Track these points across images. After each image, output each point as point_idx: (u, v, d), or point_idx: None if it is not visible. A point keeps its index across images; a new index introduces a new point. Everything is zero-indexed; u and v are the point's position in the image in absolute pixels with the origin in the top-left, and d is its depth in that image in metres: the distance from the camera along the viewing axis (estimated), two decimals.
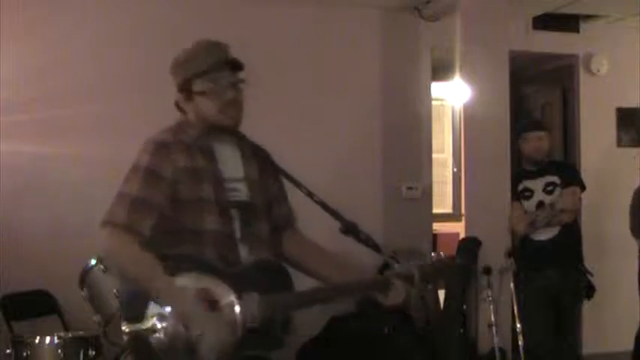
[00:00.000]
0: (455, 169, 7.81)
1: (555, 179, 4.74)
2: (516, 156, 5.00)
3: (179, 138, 2.38)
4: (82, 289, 4.10)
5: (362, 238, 2.43)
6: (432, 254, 2.57)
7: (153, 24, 5.19)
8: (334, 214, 2.45)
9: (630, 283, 5.03)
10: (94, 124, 4.96)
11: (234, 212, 2.37)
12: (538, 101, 6.93)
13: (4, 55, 4.81)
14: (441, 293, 5.18)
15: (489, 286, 4.77)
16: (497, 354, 4.67)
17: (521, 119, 5.10)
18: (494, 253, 4.84)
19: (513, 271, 4.76)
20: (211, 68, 2.39)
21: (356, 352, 4.91)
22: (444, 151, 7.97)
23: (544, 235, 4.70)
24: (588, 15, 6.15)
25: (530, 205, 4.77)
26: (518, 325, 4.65)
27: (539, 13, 5.96)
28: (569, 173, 4.86)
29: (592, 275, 4.76)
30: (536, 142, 4.77)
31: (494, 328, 4.69)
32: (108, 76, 5.03)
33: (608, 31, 6.23)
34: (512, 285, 4.75)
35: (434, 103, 6.15)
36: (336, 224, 2.50)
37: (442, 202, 7.67)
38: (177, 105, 2.46)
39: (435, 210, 6.17)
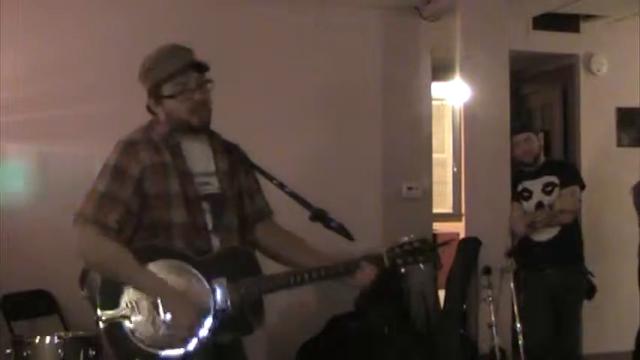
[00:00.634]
0: (455, 169, 7.81)
1: (554, 179, 4.74)
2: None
3: (148, 136, 2.51)
4: (82, 289, 4.09)
5: (331, 225, 2.52)
6: (404, 238, 2.61)
7: (153, 24, 5.19)
8: (303, 202, 2.55)
9: (630, 283, 5.03)
10: (94, 124, 4.96)
11: (205, 205, 2.49)
12: (538, 101, 6.93)
13: (4, 55, 4.81)
14: (441, 293, 5.19)
15: (489, 286, 4.77)
16: (497, 354, 4.67)
17: (514, 122, 5.09)
18: (494, 253, 4.84)
19: (513, 271, 4.76)
20: (178, 72, 2.49)
21: (356, 352, 4.91)
22: (444, 151, 7.97)
23: (544, 235, 4.69)
24: (588, 15, 6.15)
25: (529, 205, 4.77)
26: (518, 325, 4.64)
27: (539, 13, 5.96)
28: (568, 173, 4.85)
29: (593, 275, 4.77)
30: (524, 145, 4.77)
31: (494, 328, 4.69)
32: (108, 76, 5.03)
33: (608, 31, 6.23)
34: (512, 285, 4.74)
35: (434, 103, 6.15)
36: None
37: (442, 202, 7.67)
38: (149, 109, 2.57)
39: (435, 210, 6.17)
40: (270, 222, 2.73)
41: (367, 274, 2.53)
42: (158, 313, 2.34)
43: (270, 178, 2.59)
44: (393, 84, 5.72)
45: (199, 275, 2.39)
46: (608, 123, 6.35)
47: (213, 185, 2.54)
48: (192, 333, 2.34)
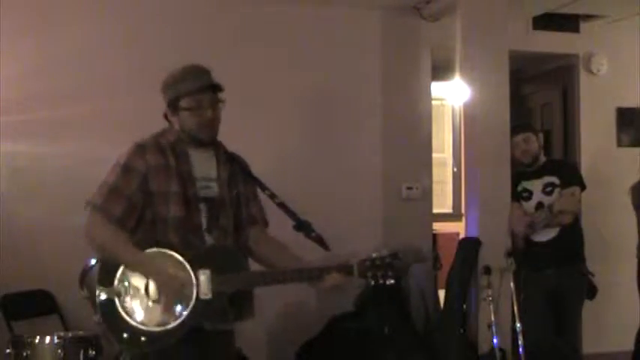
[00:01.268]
0: (455, 169, 7.82)
1: (554, 180, 4.74)
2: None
3: (157, 141, 2.85)
4: (82, 289, 4.09)
5: (312, 235, 2.80)
6: (374, 254, 2.82)
7: (152, 24, 5.20)
8: (290, 213, 2.83)
9: (630, 283, 5.03)
10: (94, 124, 4.97)
11: (202, 206, 2.82)
12: (538, 101, 6.93)
13: (4, 55, 4.81)
14: (441, 293, 5.19)
15: (489, 286, 4.77)
16: (497, 354, 4.67)
17: (514, 122, 5.09)
18: (494, 253, 4.84)
19: (513, 271, 4.76)
20: (197, 90, 2.84)
21: (356, 352, 4.91)
22: (444, 151, 7.98)
23: (544, 235, 4.69)
24: (588, 15, 6.14)
25: (529, 206, 4.77)
26: (518, 325, 4.64)
27: (540, 13, 5.96)
28: (568, 173, 4.85)
29: (593, 275, 4.77)
30: (524, 145, 4.77)
31: (494, 328, 4.69)
32: (108, 76, 5.03)
33: (608, 31, 6.23)
34: (512, 285, 4.75)
35: (434, 103, 6.15)
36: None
37: (442, 202, 7.68)
38: (166, 117, 2.92)
39: (435, 210, 6.17)
40: (261, 229, 3.01)
41: (336, 281, 2.80)
42: (147, 294, 2.68)
43: (263, 189, 2.91)
44: (393, 84, 5.72)
45: (186, 265, 2.71)
46: (608, 123, 6.35)
47: (213, 190, 2.86)
48: (176, 313, 2.66)
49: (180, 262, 2.70)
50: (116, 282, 2.68)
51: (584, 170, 5.80)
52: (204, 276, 2.69)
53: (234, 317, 2.77)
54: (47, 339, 3.95)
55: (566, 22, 6.19)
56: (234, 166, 2.94)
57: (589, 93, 6.32)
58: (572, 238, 4.73)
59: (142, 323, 2.66)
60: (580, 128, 6.33)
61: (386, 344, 4.89)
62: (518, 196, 4.81)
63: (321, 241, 2.79)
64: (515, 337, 4.70)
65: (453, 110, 7.93)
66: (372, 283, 2.82)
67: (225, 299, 2.71)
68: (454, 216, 7.56)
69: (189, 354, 2.71)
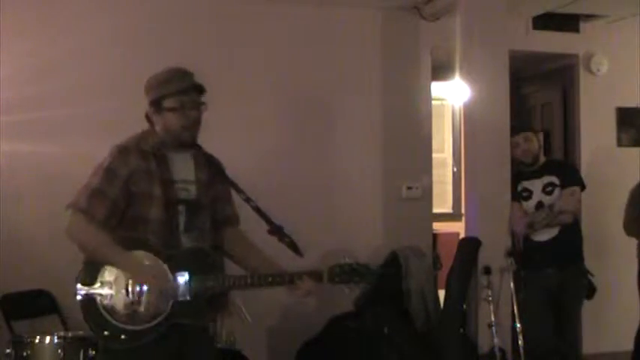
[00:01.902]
0: (455, 169, 7.81)
1: (554, 179, 4.74)
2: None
3: (139, 145, 2.93)
4: None
5: (285, 240, 2.88)
6: (346, 259, 2.93)
7: (152, 23, 5.19)
8: (265, 217, 2.91)
9: (630, 283, 5.03)
10: (94, 124, 4.96)
11: (181, 207, 2.91)
12: (538, 101, 6.93)
13: (4, 55, 4.81)
14: (441, 293, 5.19)
15: (489, 286, 4.77)
16: (497, 354, 4.67)
17: (514, 122, 5.09)
18: (495, 253, 4.84)
19: (513, 271, 4.76)
20: (182, 91, 2.91)
21: (356, 352, 4.91)
22: (444, 151, 7.97)
23: (544, 235, 4.70)
24: (588, 15, 6.14)
25: (529, 206, 4.77)
26: (518, 325, 4.65)
27: (540, 12, 5.95)
28: (568, 173, 4.85)
29: (593, 275, 4.77)
30: (524, 145, 4.78)
31: (494, 328, 4.69)
32: (108, 76, 5.03)
33: (608, 31, 6.23)
34: (512, 285, 4.75)
35: (434, 103, 6.14)
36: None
37: (442, 202, 7.67)
38: (147, 117, 2.99)
39: (435, 210, 6.16)
40: (235, 229, 3.12)
41: (306, 286, 2.90)
42: (128, 293, 2.79)
43: (239, 192, 2.99)
44: (393, 84, 5.72)
45: (165, 266, 2.82)
46: (608, 123, 6.34)
47: (191, 192, 2.95)
48: (155, 313, 2.78)
49: (160, 264, 2.82)
50: (97, 281, 2.81)
51: (584, 170, 5.80)
52: (182, 278, 2.82)
53: (210, 316, 2.95)
54: (47, 339, 3.94)
55: (566, 22, 6.18)
56: (212, 169, 3.02)
57: (589, 93, 6.32)
58: (572, 237, 4.73)
59: (121, 321, 2.78)
60: (580, 128, 6.33)
61: (386, 344, 4.89)
62: (519, 195, 4.82)
63: (294, 247, 2.88)
64: (515, 337, 4.70)
65: (453, 110, 7.93)
66: (344, 288, 2.92)
67: (202, 300, 2.83)
68: (454, 216, 7.57)
69: (167, 349, 2.82)
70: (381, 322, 4.94)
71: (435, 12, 5.65)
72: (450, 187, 7.91)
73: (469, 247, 4.98)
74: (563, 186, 4.71)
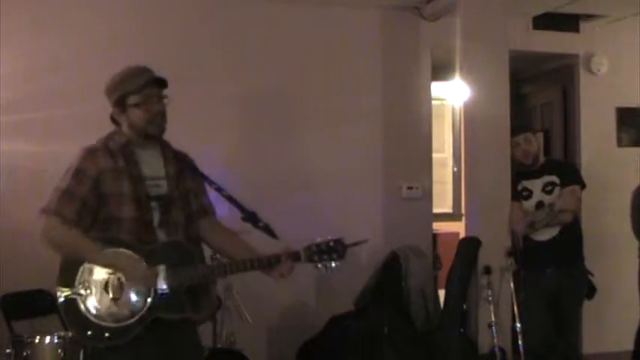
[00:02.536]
0: (455, 169, 7.81)
1: (554, 179, 4.74)
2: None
3: (106, 145, 2.96)
4: None
5: (260, 225, 2.91)
6: (318, 239, 2.96)
7: (152, 23, 5.20)
8: (237, 204, 2.93)
9: (630, 283, 5.02)
10: (94, 124, 4.90)
11: (154, 204, 2.93)
12: (538, 101, 6.93)
13: (4, 55, 4.81)
14: (441, 293, 5.19)
15: (489, 286, 4.77)
16: (498, 354, 4.67)
17: (514, 122, 5.09)
18: (494, 253, 4.84)
19: (513, 271, 4.76)
20: (144, 85, 2.95)
21: (356, 352, 4.91)
22: (444, 151, 7.97)
23: (544, 235, 4.69)
24: (588, 15, 6.14)
25: (529, 205, 4.77)
26: (518, 325, 4.65)
27: (540, 12, 5.96)
28: (568, 172, 4.85)
29: (592, 275, 4.76)
30: (524, 146, 4.77)
31: (494, 328, 4.69)
32: (108, 76, 5.00)
33: (608, 31, 6.23)
34: (512, 285, 4.75)
35: (434, 102, 6.14)
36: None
37: (442, 202, 7.67)
38: (112, 118, 3.04)
39: (435, 210, 6.16)
40: (212, 219, 3.14)
41: (286, 267, 2.92)
42: (107, 292, 2.80)
43: (210, 183, 3.01)
44: (393, 84, 5.72)
45: (142, 261, 2.83)
46: (608, 123, 6.34)
47: (162, 187, 2.97)
48: (136, 308, 2.80)
49: (137, 259, 2.82)
50: (76, 281, 2.82)
51: (584, 170, 5.79)
52: (160, 271, 2.82)
53: (191, 308, 2.90)
54: (47, 339, 3.95)
55: (566, 22, 6.18)
56: (181, 163, 3.05)
57: (589, 93, 6.32)
58: (572, 237, 4.73)
59: (103, 320, 2.79)
60: (580, 128, 6.33)
61: (386, 344, 4.89)
62: (518, 195, 4.81)
63: (269, 231, 2.89)
64: (515, 337, 4.69)
65: (453, 110, 7.93)
66: (319, 266, 2.94)
67: (181, 292, 2.84)
68: (454, 216, 7.57)
69: (150, 343, 2.82)
70: (381, 322, 4.94)
71: (435, 12, 5.65)
72: (450, 187, 7.92)
73: (469, 247, 4.98)
74: (563, 185, 4.71)
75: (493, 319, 4.69)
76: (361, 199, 5.63)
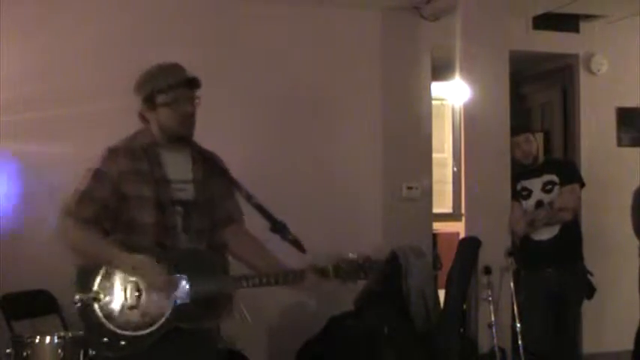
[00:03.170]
0: (455, 169, 7.81)
1: (554, 178, 4.74)
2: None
3: (129, 145, 2.85)
4: None
5: (288, 237, 2.77)
6: (350, 254, 2.84)
7: (152, 23, 5.20)
8: (266, 215, 2.80)
9: (630, 283, 5.03)
10: (94, 124, 4.96)
11: (178, 208, 2.81)
12: (538, 101, 6.93)
13: (4, 55, 4.81)
14: (441, 293, 5.19)
15: (489, 286, 4.77)
16: (498, 354, 4.67)
17: (514, 122, 5.10)
18: (494, 253, 4.84)
19: (513, 271, 4.76)
20: (174, 85, 2.81)
21: (356, 352, 4.91)
22: (444, 151, 7.97)
23: (544, 234, 4.69)
24: (588, 15, 6.14)
25: (528, 205, 4.77)
26: (518, 325, 4.64)
27: (540, 12, 5.96)
28: (567, 171, 4.86)
29: (592, 275, 4.77)
30: (525, 146, 4.78)
31: (494, 328, 4.69)
32: (108, 76, 5.03)
33: (608, 31, 6.23)
34: (512, 285, 4.75)
35: (434, 103, 6.14)
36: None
37: (442, 202, 7.66)
38: (141, 115, 2.88)
39: (435, 210, 6.16)
40: (238, 227, 3.00)
41: (312, 283, 2.80)
42: (126, 298, 2.70)
43: (239, 189, 2.87)
44: (393, 84, 5.72)
45: (163, 268, 2.70)
46: (608, 123, 6.35)
47: (188, 192, 2.85)
48: (154, 317, 2.68)
49: (158, 266, 2.70)
50: (95, 286, 2.71)
51: (584, 170, 5.79)
52: (181, 280, 2.70)
53: (211, 318, 2.81)
54: (47, 339, 3.95)
55: (566, 22, 6.19)
56: (210, 166, 2.92)
57: (589, 93, 6.32)
58: (571, 237, 4.73)
59: (120, 327, 2.68)
60: (580, 128, 6.33)
61: (386, 344, 4.89)
62: (518, 195, 4.82)
63: (297, 244, 2.77)
64: (515, 337, 4.69)
65: (453, 110, 7.92)
66: (346, 283, 2.85)
67: (202, 303, 2.72)
68: (454, 216, 7.56)
69: (167, 353, 2.72)
70: (381, 322, 4.94)
71: (435, 12, 5.65)
72: (450, 187, 7.91)
73: (469, 247, 4.98)
74: (562, 184, 4.72)
75: (493, 319, 4.69)
76: (361, 199, 5.63)
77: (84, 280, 2.73)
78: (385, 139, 5.70)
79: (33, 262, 4.75)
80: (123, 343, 2.67)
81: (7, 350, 3.96)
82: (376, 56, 5.71)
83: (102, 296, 2.70)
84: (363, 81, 5.67)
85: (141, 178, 2.78)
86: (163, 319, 2.68)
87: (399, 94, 5.74)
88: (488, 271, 4.80)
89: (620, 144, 6.36)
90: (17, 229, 4.78)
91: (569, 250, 4.71)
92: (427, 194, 5.82)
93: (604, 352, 5.93)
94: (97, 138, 5.15)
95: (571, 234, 4.72)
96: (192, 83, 2.84)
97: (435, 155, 6.15)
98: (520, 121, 5.59)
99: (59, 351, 3.91)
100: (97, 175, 2.80)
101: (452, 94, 7.50)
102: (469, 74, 5.16)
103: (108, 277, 2.72)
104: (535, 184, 4.77)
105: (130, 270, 2.70)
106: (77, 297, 2.71)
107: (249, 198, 2.83)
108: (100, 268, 2.73)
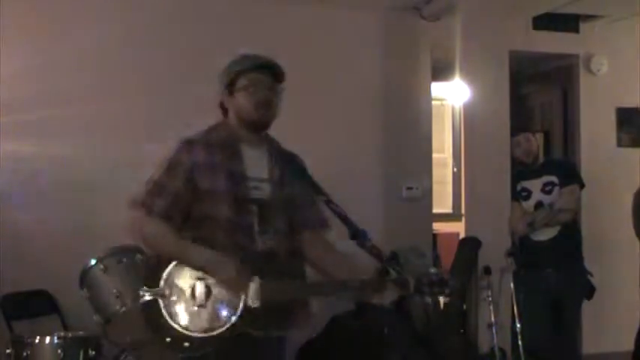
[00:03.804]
0: (455, 169, 7.81)
1: (554, 179, 4.74)
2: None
3: (206, 137, 2.74)
4: (82, 289, 4.10)
5: (367, 245, 2.64)
6: (432, 270, 2.78)
7: (153, 24, 5.19)
8: (346, 221, 2.67)
9: (630, 283, 5.03)
10: (94, 124, 4.96)
11: (253, 207, 2.68)
12: (538, 101, 6.93)
13: (4, 55, 4.81)
14: None
15: (489, 286, 4.77)
16: (497, 354, 4.67)
17: (514, 122, 5.10)
18: (495, 253, 4.84)
19: (513, 271, 4.76)
20: (254, 68, 2.78)
21: (356, 352, 4.91)
22: (444, 151, 7.97)
23: (544, 235, 4.70)
24: (588, 15, 6.14)
25: (528, 205, 4.78)
26: (518, 325, 4.65)
27: (540, 12, 5.96)
28: (567, 172, 4.86)
29: (592, 275, 4.77)
30: (525, 145, 4.78)
31: (494, 328, 4.69)
32: (108, 76, 5.03)
33: (608, 31, 6.23)
34: (512, 285, 4.75)
35: (434, 103, 6.14)
36: None
37: (442, 202, 7.67)
38: (221, 105, 2.81)
39: (435, 210, 6.16)
40: (315, 232, 2.86)
41: (390, 295, 2.71)
42: (193, 298, 2.55)
43: (319, 193, 2.76)
44: (393, 84, 5.72)
45: (235, 269, 2.55)
46: (608, 123, 6.35)
47: (264, 191, 2.72)
48: (222, 320, 2.53)
49: (230, 266, 2.55)
50: (162, 282, 2.56)
51: (584, 170, 5.80)
52: (254, 283, 2.54)
53: (284, 325, 2.68)
54: (47, 339, 3.94)
55: (566, 22, 6.19)
56: (289, 166, 2.82)
57: (589, 93, 6.32)
58: (571, 237, 4.73)
59: (185, 328, 2.53)
60: (580, 128, 6.34)
61: (386, 344, 4.89)
62: (518, 195, 4.82)
63: (377, 253, 2.65)
64: (515, 337, 4.70)
65: (453, 110, 7.93)
66: (427, 299, 2.79)
67: (274, 308, 2.58)
68: (454, 216, 7.56)
69: (231, 358, 2.58)
70: (381, 322, 4.94)
71: (435, 12, 5.65)
72: (450, 187, 7.91)
73: (469, 247, 4.98)
74: (562, 185, 4.72)
75: (493, 319, 4.69)
76: (361, 199, 5.62)
77: (151, 274, 2.60)
78: (385, 139, 5.69)
79: (33, 262, 4.75)
80: (186, 344, 2.53)
81: (7, 350, 3.95)
82: (376, 56, 5.70)
83: (168, 293, 2.55)
84: (363, 81, 5.67)
85: (215, 171, 2.67)
86: (230, 323, 2.54)
87: (399, 94, 5.74)
88: (488, 271, 4.81)
89: (620, 144, 6.36)
90: (17, 229, 4.77)
91: (568, 250, 4.71)
92: (427, 194, 5.82)
93: (603, 352, 5.92)
94: (97, 138, 5.18)
95: (571, 234, 4.73)
96: (273, 70, 2.84)
97: (435, 155, 6.15)
98: (520, 121, 5.59)
99: (59, 351, 3.90)
100: (171, 166, 2.69)
101: (452, 94, 7.50)
102: (469, 74, 5.16)
103: (177, 272, 2.58)
104: (535, 185, 4.78)
105: (202, 269, 2.57)
106: (142, 292, 2.56)
107: (328, 203, 2.73)
108: (169, 263, 2.60)
